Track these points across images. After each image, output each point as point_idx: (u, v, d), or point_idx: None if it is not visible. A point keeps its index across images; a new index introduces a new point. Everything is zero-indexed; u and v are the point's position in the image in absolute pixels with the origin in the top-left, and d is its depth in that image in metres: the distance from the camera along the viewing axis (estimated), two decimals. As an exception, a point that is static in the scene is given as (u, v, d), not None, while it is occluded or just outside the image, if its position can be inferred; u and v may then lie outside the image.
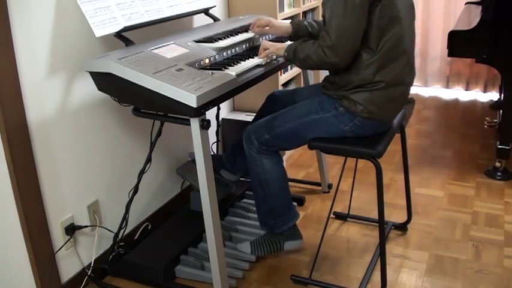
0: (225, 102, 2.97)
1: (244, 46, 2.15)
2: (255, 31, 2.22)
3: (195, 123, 1.63)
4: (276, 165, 1.99)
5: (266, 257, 2.20)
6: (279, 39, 2.30)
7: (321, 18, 2.18)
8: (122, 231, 2.13)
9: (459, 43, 2.79)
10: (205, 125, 1.64)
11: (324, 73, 3.77)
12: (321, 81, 2.08)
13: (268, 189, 2.00)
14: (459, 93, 4.35)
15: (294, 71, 3.27)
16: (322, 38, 1.75)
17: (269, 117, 2.00)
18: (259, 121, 2.01)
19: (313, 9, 3.57)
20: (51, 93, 1.82)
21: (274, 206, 2.02)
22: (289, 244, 2.10)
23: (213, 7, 2.44)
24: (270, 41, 2.23)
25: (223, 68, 1.84)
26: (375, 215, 2.16)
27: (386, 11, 1.74)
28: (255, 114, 2.36)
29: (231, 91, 1.75)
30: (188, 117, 1.63)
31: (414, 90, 4.29)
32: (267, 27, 2.19)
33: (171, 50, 1.86)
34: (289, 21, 2.19)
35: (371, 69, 1.78)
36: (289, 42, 1.96)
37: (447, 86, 4.43)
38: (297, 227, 2.12)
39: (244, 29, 2.24)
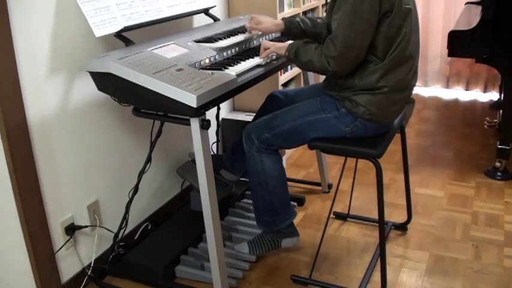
0: (225, 102, 2.97)
1: (244, 46, 2.15)
2: (249, 27, 2.20)
3: (195, 123, 1.63)
4: (275, 164, 1.99)
5: (264, 255, 2.20)
6: (279, 39, 2.30)
7: (317, 17, 2.18)
8: (122, 231, 2.13)
9: (459, 43, 2.79)
10: (205, 125, 1.64)
11: (324, 73, 3.77)
12: (321, 81, 2.08)
13: (267, 188, 2.00)
14: (459, 93, 4.35)
15: (294, 71, 3.27)
16: (326, 46, 1.75)
17: (269, 116, 1.99)
18: (260, 120, 2.01)
19: (313, 9, 3.56)
20: (51, 93, 1.82)
21: (273, 204, 2.02)
22: (286, 241, 2.10)
23: (213, 7, 2.44)
24: (270, 40, 2.23)
25: (223, 68, 1.83)
26: (375, 215, 2.16)
27: (396, 21, 1.74)
28: (254, 114, 2.36)
29: (231, 91, 1.75)
30: (188, 117, 1.63)
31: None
32: (259, 25, 2.19)
33: (171, 50, 1.86)
34: (281, 18, 2.19)
35: (375, 76, 1.78)
36: (289, 42, 1.96)
37: (447, 86, 4.43)
38: (294, 224, 2.12)
39: (244, 29, 2.24)
